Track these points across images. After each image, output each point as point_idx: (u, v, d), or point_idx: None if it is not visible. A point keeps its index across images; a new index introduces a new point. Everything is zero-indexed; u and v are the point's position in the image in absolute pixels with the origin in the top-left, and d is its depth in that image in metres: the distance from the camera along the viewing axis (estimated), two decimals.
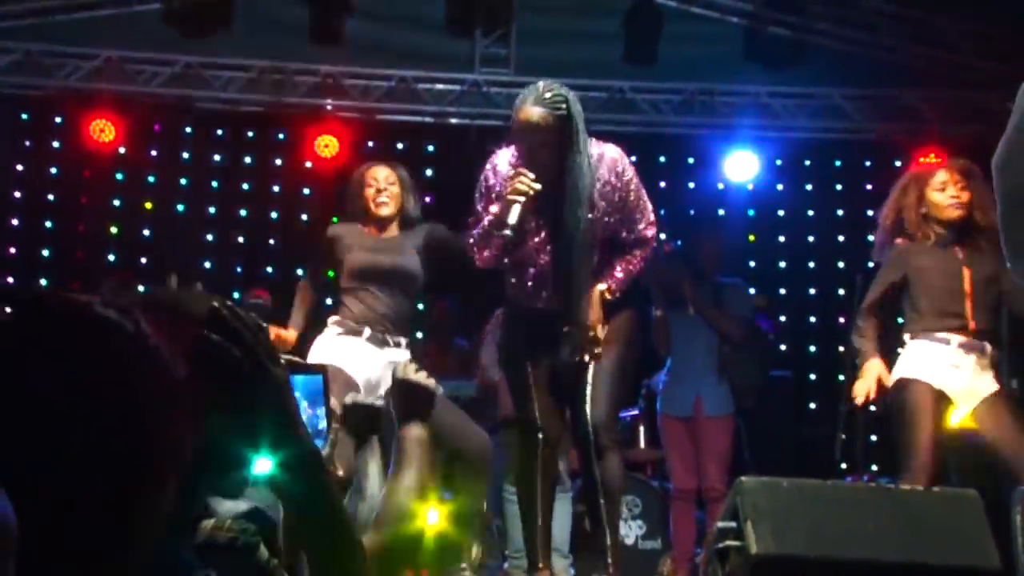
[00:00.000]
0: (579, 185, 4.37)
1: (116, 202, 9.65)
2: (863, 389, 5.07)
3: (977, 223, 5.06)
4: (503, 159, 4.55)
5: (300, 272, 8.30)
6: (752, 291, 7.34)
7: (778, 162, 9.62)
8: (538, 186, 4.31)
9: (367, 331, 5.11)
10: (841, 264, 9.79)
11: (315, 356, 5.07)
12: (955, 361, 4.99)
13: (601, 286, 4.49)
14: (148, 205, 9.72)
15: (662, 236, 8.56)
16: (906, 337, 5.11)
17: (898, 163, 9.44)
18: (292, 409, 1.55)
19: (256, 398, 1.50)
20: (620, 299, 4.59)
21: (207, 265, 9.64)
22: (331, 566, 1.60)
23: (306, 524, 1.59)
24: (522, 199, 4.30)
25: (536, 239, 4.51)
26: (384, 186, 5.22)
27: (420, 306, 8.94)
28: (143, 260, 9.61)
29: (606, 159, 4.47)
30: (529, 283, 4.59)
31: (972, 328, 5.00)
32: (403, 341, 5.17)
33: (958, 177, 5.11)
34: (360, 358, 5.08)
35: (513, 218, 4.29)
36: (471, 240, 4.57)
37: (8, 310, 1.33)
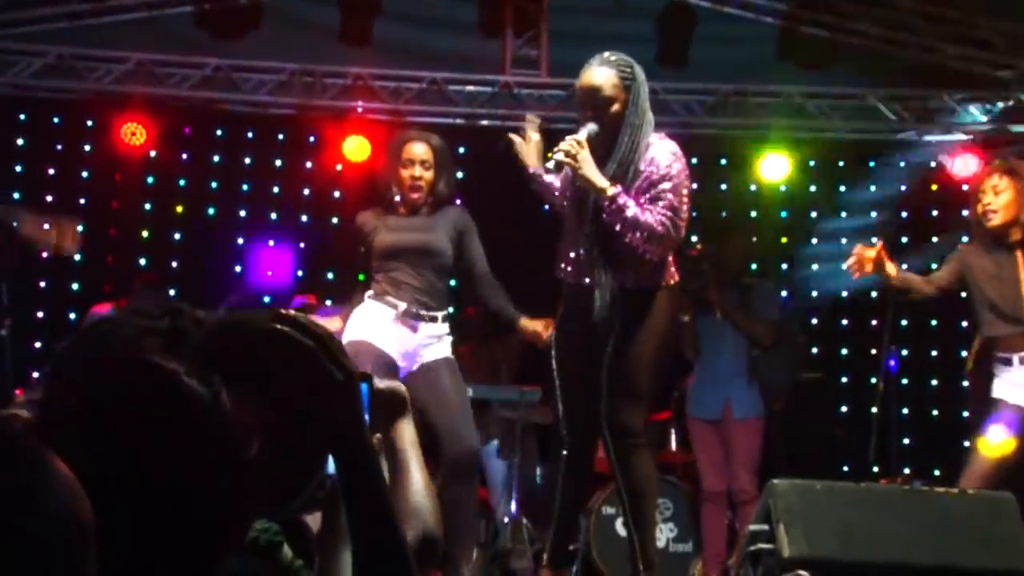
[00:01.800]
0: (620, 153, 4.40)
1: (147, 206, 9.72)
2: (866, 253, 5.05)
3: None
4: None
5: (331, 276, 8.42)
6: (784, 293, 7.36)
7: (811, 163, 9.61)
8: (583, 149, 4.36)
9: (402, 305, 5.16)
10: None
11: (351, 329, 5.14)
12: (1018, 380, 5.00)
13: (613, 188, 4.37)
14: (179, 209, 9.79)
15: (693, 239, 8.64)
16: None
17: (933, 164, 9.43)
18: (358, 411, 1.62)
19: (325, 395, 1.58)
20: (655, 298, 4.55)
21: (237, 269, 9.72)
22: (379, 570, 1.64)
23: (358, 524, 1.64)
24: (562, 156, 4.35)
25: (582, 208, 4.54)
26: (419, 172, 5.24)
27: (450, 309, 9.02)
28: (174, 264, 9.69)
29: (655, 147, 4.46)
30: (571, 255, 4.61)
31: None
32: (439, 315, 5.20)
33: (996, 179, 5.10)
34: (395, 331, 5.14)
35: (550, 164, 4.43)
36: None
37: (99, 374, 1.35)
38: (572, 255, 4.60)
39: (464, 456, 4.94)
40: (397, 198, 5.32)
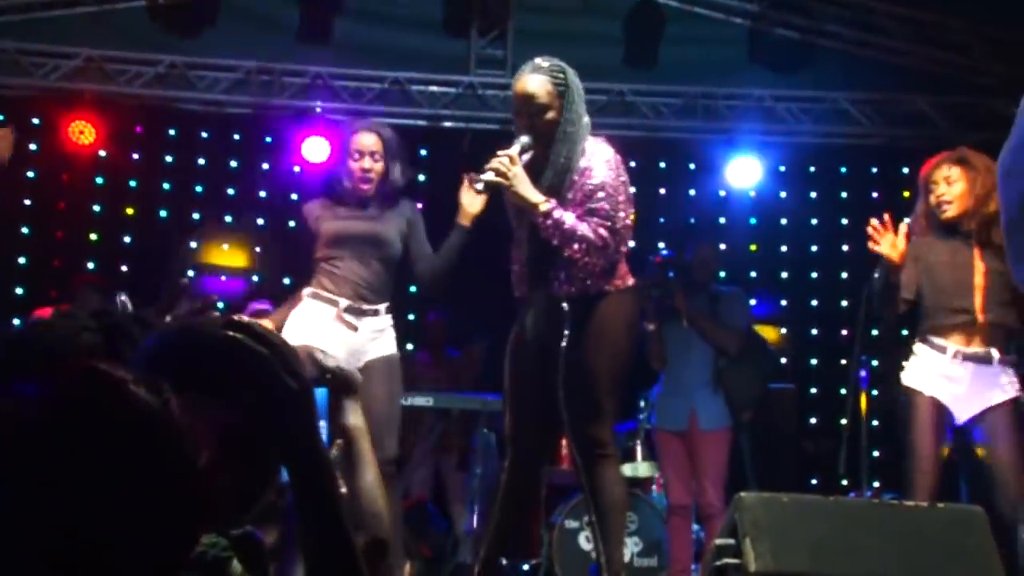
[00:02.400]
0: (557, 162, 4.42)
1: (96, 208, 9.66)
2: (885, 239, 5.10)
3: (981, 211, 5.11)
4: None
5: (288, 281, 8.39)
6: (752, 301, 7.40)
7: (782, 168, 9.65)
8: (516, 167, 4.36)
9: (343, 302, 5.21)
10: (845, 275, 9.83)
11: (290, 331, 5.13)
12: (949, 372, 5.05)
13: (547, 203, 4.38)
14: (129, 211, 9.75)
15: (660, 245, 8.68)
16: (916, 342, 5.20)
17: (906, 170, 9.49)
18: (313, 421, 1.64)
19: (279, 405, 1.60)
20: (606, 303, 4.55)
21: (191, 273, 9.66)
22: None
23: (311, 535, 1.65)
24: (492, 176, 4.36)
25: (521, 221, 4.57)
26: (369, 164, 5.29)
27: (411, 316, 9.03)
28: (124, 268, 9.63)
29: (590, 155, 4.48)
30: (515, 268, 4.64)
31: (981, 322, 5.06)
32: (381, 308, 5.26)
33: (947, 170, 5.18)
34: (337, 329, 5.19)
35: (479, 184, 4.41)
36: None
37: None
38: (516, 268, 4.64)
39: (381, 465, 5.00)
40: (348, 187, 5.35)
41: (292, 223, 9.59)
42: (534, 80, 4.41)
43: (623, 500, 4.73)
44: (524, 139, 4.42)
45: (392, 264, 5.35)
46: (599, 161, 4.47)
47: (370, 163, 5.30)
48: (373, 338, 5.24)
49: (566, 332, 4.42)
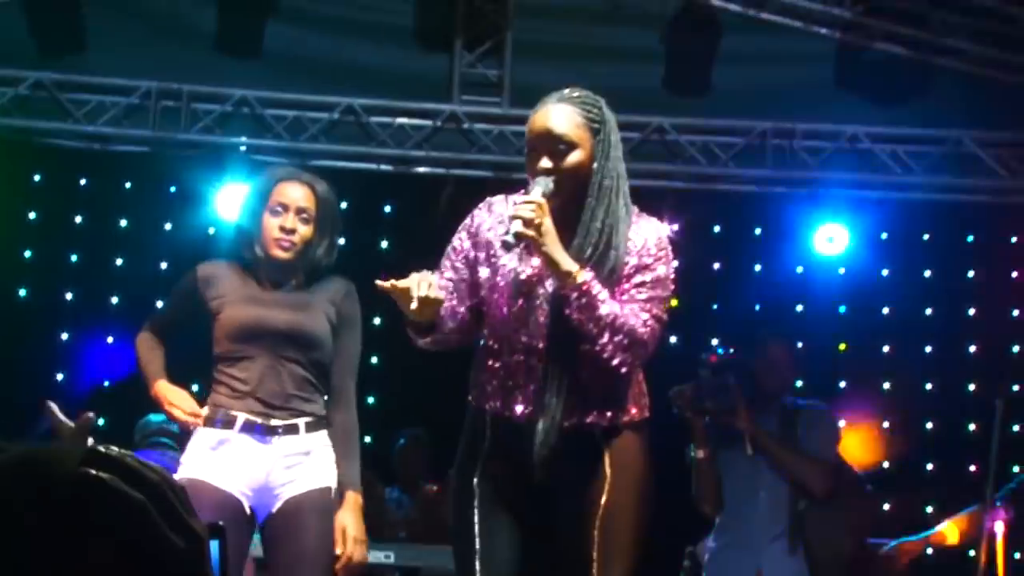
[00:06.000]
0: (590, 224, 4.38)
1: None
2: None
3: None
4: (497, 208, 4.56)
5: (196, 388, 8.33)
6: (841, 423, 7.34)
7: (883, 235, 9.70)
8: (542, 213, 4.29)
9: (241, 418, 5.16)
10: (972, 386, 9.81)
11: (185, 463, 5.16)
12: None
13: (584, 273, 4.32)
14: None
15: (714, 341, 8.60)
16: None
17: None
18: None
19: (159, 568, 1.57)
20: (642, 436, 4.57)
21: (59, 377, 9.58)
22: None
23: None
24: (520, 226, 4.24)
25: (528, 309, 4.50)
26: (292, 224, 5.24)
27: (368, 439, 8.96)
28: None
29: (645, 225, 4.49)
30: (501, 373, 4.55)
31: None
32: (301, 423, 5.19)
33: None
34: (236, 457, 5.16)
35: (508, 238, 4.28)
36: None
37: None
38: (504, 376, 4.55)
39: None
40: (259, 253, 5.30)
41: None
42: (560, 112, 4.39)
43: None
44: (546, 181, 4.37)
45: (322, 366, 5.30)
46: (659, 234, 4.49)
47: (294, 222, 5.24)
48: (291, 464, 5.18)
49: (607, 479, 4.47)
